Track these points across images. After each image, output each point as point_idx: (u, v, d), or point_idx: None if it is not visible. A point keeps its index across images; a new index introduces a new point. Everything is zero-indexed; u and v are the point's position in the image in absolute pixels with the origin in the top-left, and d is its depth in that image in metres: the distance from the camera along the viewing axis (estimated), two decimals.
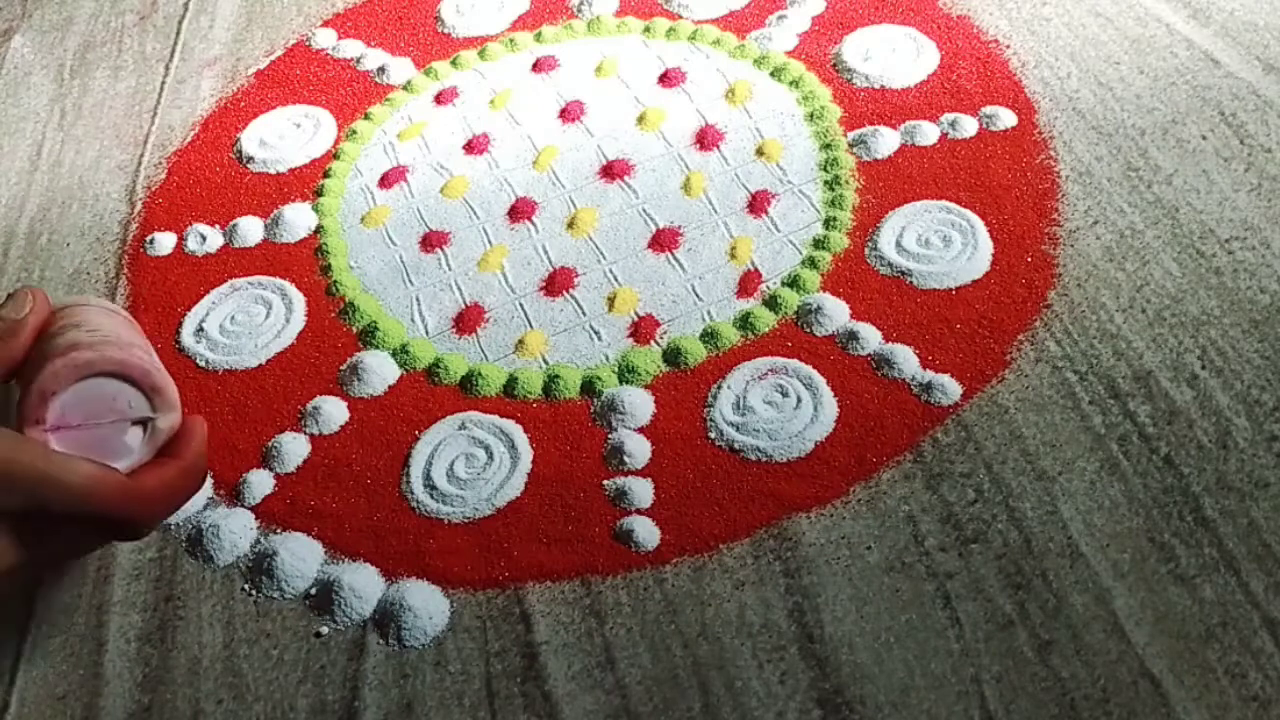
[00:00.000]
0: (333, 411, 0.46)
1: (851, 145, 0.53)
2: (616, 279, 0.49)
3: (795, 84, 0.57)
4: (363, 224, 0.54)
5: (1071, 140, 0.51)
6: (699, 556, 0.40)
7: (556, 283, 0.50)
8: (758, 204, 0.51)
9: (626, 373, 0.45)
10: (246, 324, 0.50)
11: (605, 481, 0.42)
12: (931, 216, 0.49)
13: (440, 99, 0.60)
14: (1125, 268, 0.46)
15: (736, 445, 0.42)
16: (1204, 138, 0.50)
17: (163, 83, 0.64)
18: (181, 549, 0.43)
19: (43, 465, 0.34)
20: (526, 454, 0.44)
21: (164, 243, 0.55)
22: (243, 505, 0.44)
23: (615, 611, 0.39)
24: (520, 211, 0.53)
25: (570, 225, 0.52)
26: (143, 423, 0.37)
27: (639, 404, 0.44)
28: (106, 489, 0.35)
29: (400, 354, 0.48)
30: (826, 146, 0.53)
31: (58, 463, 0.34)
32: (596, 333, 0.47)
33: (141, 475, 0.36)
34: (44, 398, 0.36)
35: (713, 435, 0.43)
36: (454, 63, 0.62)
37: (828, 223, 0.50)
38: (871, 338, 0.45)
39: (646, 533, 0.40)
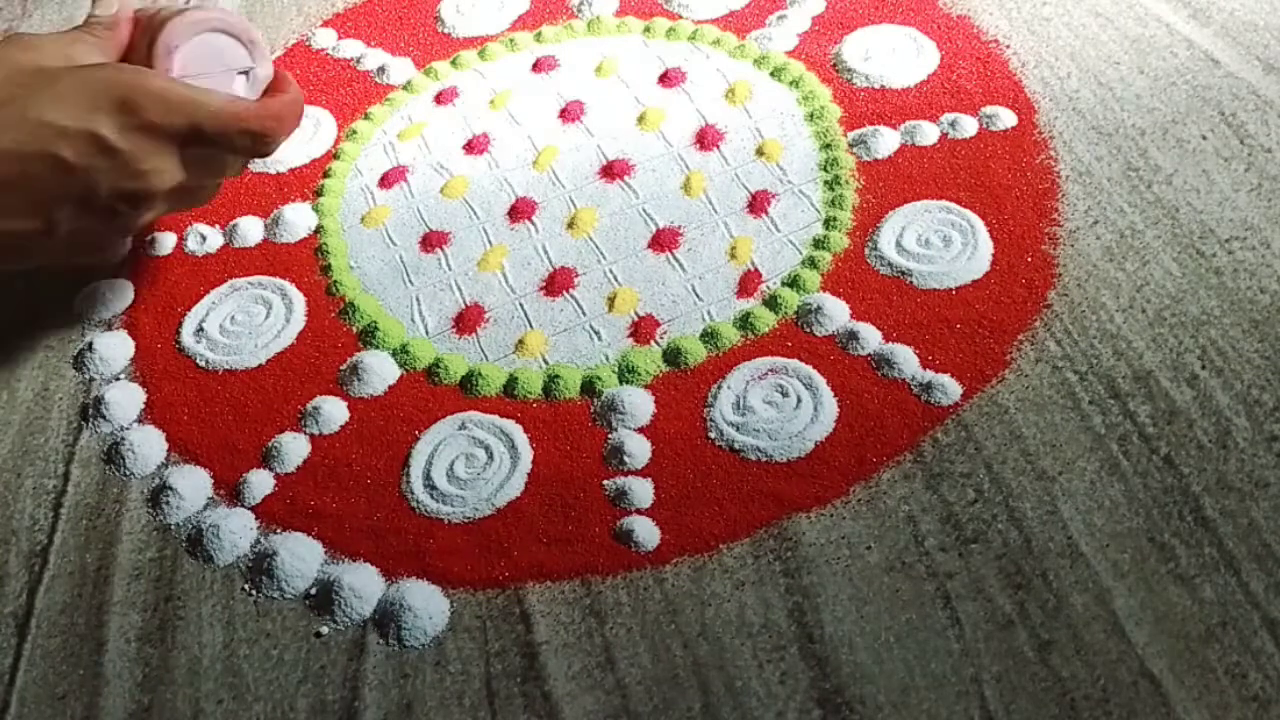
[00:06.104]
0: (333, 411, 0.46)
1: (851, 145, 0.53)
2: (616, 279, 0.49)
3: (795, 84, 0.57)
4: (363, 224, 0.54)
5: (1071, 140, 0.51)
6: (699, 556, 0.40)
7: (556, 283, 0.50)
8: (758, 204, 0.51)
9: (626, 373, 0.45)
10: (246, 324, 0.50)
11: (605, 481, 0.42)
12: (931, 216, 0.49)
13: (440, 99, 0.60)
14: (1125, 268, 0.46)
15: (736, 445, 0.42)
16: (1204, 138, 0.50)
17: None
18: (181, 549, 0.43)
19: (193, 93, 0.44)
20: (526, 454, 0.44)
21: (164, 242, 0.55)
22: (243, 505, 0.44)
23: (615, 611, 0.39)
24: (520, 211, 0.53)
25: (570, 225, 0.52)
26: (245, 73, 0.47)
27: (639, 404, 0.44)
28: (245, 105, 0.45)
29: (400, 354, 0.48)
30: (826, 146, 0.53)
31: (205, 92, 0.44)
32: (596, 333, 0.47)
33: (265, 100, 0.47)
34: (168, 51, 0.45)
35: (713, 435, 0.43)
36: (454, 63, 0.62)
37: (828, 223, 0.50)
38: (871, 338, 0.45)
39: (646, 533, 0.40)
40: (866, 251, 0.48)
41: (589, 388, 0.45)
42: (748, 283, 0.48)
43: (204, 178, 0.47)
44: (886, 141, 0.53)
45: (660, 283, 0.49)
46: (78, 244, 0.46)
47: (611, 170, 0.54)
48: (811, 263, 0.48)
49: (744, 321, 0.46)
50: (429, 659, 0.38)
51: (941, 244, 0.48)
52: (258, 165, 0.58)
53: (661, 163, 0.54)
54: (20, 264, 0.47)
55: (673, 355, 0.46)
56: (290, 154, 0.58)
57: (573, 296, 0.49)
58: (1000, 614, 0.36)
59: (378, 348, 0.48)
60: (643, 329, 0.47)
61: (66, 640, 0.41)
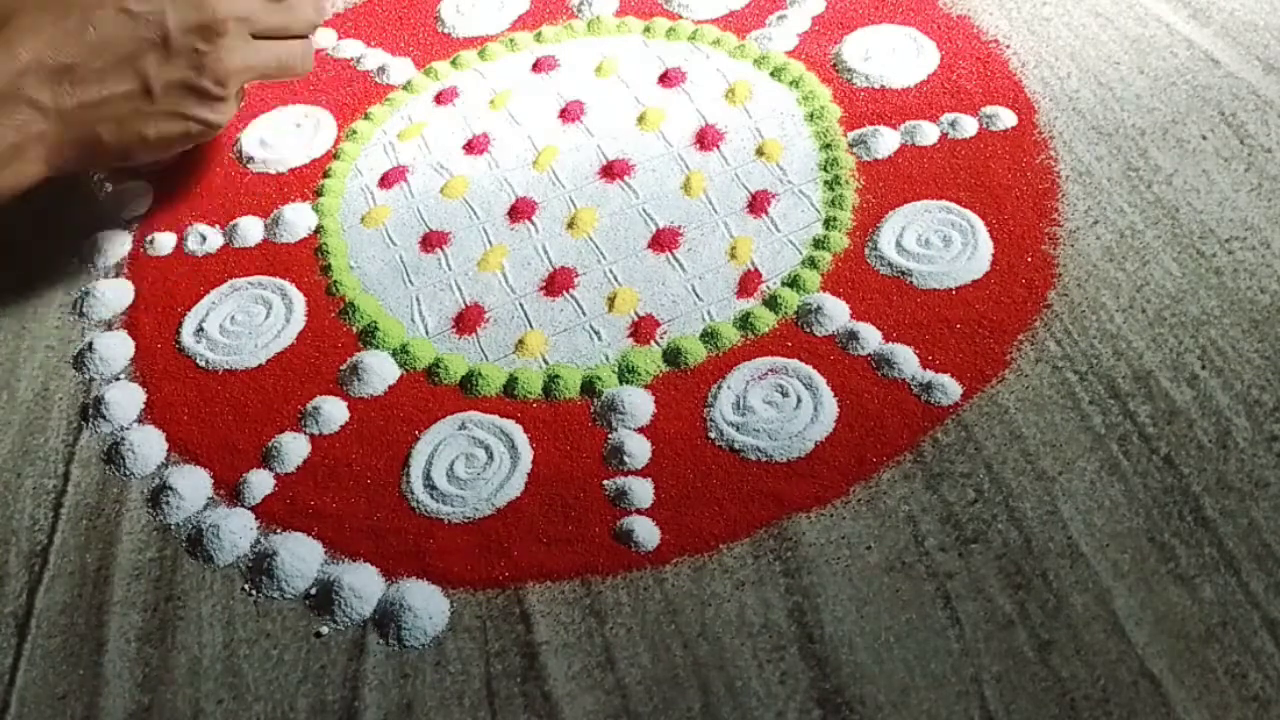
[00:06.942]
0: (333, 411, 0.46)
1: (851, 145, 0.53)
2: (616, 279, 0.49)
3: (795, 84, 0.57)
4: (363, 224, 0.54)
5: (1071, 140, 0.51)
6: (699, 556, 0.40)
7: (556, 283, 0.50)
8: (758, 204, 0.51)
9: (626, 373, 0.45)
10: (246, 324, 0.50)
11: (605, 481, 0.42)
12: (932, 216, 0.49)
13: (440, 99, 0.60)
14: (1125, 268, 0.46)
15: (736, 445, 0.42)
16: (1204, 138, 0.50)
17: None
18: (181, 549, 0.43)
19: None
20: (526, 454, 0.44)
21: (164, 243, 0.55)
22: (243, 505, 0.44)
23: (615, 611, 0.39)
24: (520, 211, 0.53)
25: (570, 225, 0.52)
26: None
27: (639, 404, 0.44)
28: None
29: (400, 354, 0.48)
30: (826, 146, 0.53)
31: None
32: (596, 333, 0.47)
33: None
34: None
35: (713, 435, 0.43)
36: (454, 63, 0.62)
37: (828, 223, 0.50)
38: (871, 338, 0.45)
39: (646, 533, 0.40)
40: (866, 251, 0.48)
41: (589, 388, 0.45)
42: (748, 283, 0.48)
43: (277, 13, 0.50)
44: (886, 141, 0.53)
45: (660, 283, 0.49)
46: (178, 110, 0.49)
47: (611, 170, 0.54)
48: (811, 263, 0.48)
49: (744, 321, 0.46)
50: (429, 659, 0.38)
51: (941, 244, 0.48)
52: (258, 165, 0.58)
53: (661, 163, 0.54)
54: (136, 143, 0.49)
55: (673, 355, 0.46)
56: (290, 154, 0.58)
57: (573, 296, 0.49)
58: (1000, 614, 0.36)
59: (378, 348, 0.48)
60: (643, 329, 0.47)
61: (66, 640, 0.41)
